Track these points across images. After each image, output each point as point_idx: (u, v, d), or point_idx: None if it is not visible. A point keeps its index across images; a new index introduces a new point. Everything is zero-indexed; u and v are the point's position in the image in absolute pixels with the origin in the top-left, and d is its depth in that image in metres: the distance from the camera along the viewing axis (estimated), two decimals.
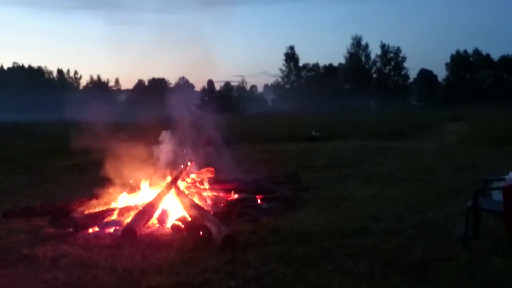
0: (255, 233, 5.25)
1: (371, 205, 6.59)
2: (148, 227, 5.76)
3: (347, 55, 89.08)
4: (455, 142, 16.01)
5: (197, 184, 7.48)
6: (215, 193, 7.12)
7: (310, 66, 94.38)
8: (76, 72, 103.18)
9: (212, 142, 8.75)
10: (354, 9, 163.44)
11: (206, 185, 7.46)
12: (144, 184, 7.13)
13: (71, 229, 5.71)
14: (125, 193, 6.93)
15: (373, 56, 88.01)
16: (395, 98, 78.98)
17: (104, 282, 4.02)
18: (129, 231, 5.29)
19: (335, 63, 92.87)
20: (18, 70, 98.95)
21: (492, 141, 14.27)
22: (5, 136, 23.07)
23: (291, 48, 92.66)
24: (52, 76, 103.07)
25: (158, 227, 5.87)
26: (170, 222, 5.87)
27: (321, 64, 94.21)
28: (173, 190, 6.70)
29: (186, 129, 8.12)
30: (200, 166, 7.96)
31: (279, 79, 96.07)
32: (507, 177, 4.78)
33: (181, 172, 7.35)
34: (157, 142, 7.99)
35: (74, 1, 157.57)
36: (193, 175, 7.69)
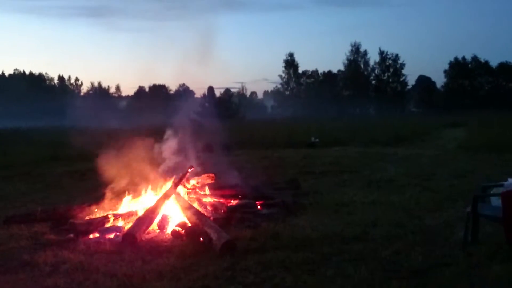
0: (255, 239, 5.26)
1: (370, 211, 6.60)
2: (148, 233, 5.77)
3: (346, 62, 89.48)
4: (454, 149, 16.02)
5: (197, 190, 7.49)
6: (215, 199, 7.14)
7: (310, 73, 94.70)
8: (77, 79, 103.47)
9: (212, 148, 8.78)
10: (353, 16, 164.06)
11: (206, 191, 7.47)
12: (145, 190, 7.14)
13: (71, 235, 5.72)
14: (125, 199, 6.95)
15: (371, 63, 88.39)
16: (394, 105, 79.07)
17: None
18: (130, 237, 5.30)
19: (334, 70, 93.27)
20: (19, 77, 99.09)
21: (491, 148, 14.29)
22: (6, 142, 23.07)
23: (291, 55, 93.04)
24: (53, 83, 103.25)
25: (159, 233, 5.88)
26: (170, 228, 5.88)
27: (321, 70, 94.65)
28: (173, 196, 6.72)
29: (186, 135, 8.14)
30: (200, 172, 7.97)
31: (279, 86, 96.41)
32: (505, 183, 4.80)
33: (181, 178, 7.36)
34: (157, 148, 8.01)
35: (75, 9, 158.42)
36: (193, 181, 7.71)
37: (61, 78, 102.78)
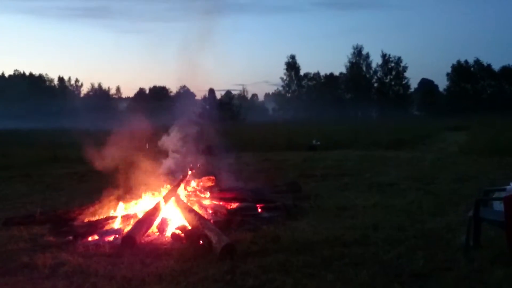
0: (255, 242, 5.23)
1: (372, 215, 6.57)
2: (148, 236, 5.74)
3: (348, 64, 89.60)
4: (456, 152, 16.00)
5: (198, 192, 7.47)
6: (215, 202, 7.11)
7: (311, 75, 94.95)
8: (77, 80, 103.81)
9: (212, 150, 8.77)
10: (355, 19, 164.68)
11: (207, 194, 7.45)
12: (144, 193, 7.12)
13: (70, 237, 5.69)
14: (125, 201, 6.92)
15: (374, 65, 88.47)
16: (396, 108, 79.09)
17: None
18: (129, 239, 5.27)
19: (336, 73, 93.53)
20: (19, 78, 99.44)
21: (493, 151, 14.26)
22: (5, 143, 23.10)
23: (292, 57, 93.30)
24: (53, 84, 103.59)
25: (158, 235, 5.85)
26: (170, 230, 5.85)
27: (322, 73, 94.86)
28: (173, 199, 6.70)
29: (186, 137, 8.12)
30: (201, 175, 7.95)
31: (280, 88, 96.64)
32: (508, 187, 4.78)
33: (181, 180, 7.35)
34: (158, 150, 8.00)
35: (76, 10, 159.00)
36: (193, 184, 7.69)
37: (61, 79, 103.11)
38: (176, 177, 7.44)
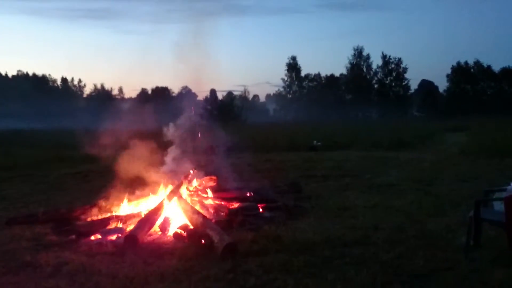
0: (256, 241, 5.25)
1: (372, 215, 6.60)
2: (150, 235, 5.78)
3: (348, 65, 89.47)
4: (456, 153, 15.99)
5: (199, 192, 7.50)
6: (217, 202, 7.15)
7: (312, 76, 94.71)
8: (80, 81, 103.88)
9: (214, 150, 8.79)
10: (356, 20, 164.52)
11: (208, 194, 7.48)
12: (147, 192, 7.15)
13: (73, 236, 5.73)
14: (127, 200, 6.96)
15: (374, 67, 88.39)
16: (396, 109, 78.97)
17: None
18: (131, 238, 5.32)
19: (337, 74, 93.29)
20: (22, 78, 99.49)
21: (493, 152, 14.26)
22: (8, 143, 23.13)
23: (293, 58, 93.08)
24: (56, 84, 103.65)
25: (160, 235, 5.89)
26: (172, 230, 5.89)
27: (323, 74, 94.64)
28: (175, 198, 6.73)
29: (188, 137, 8.15)
30: (202, 175, 7.98)
31: (281, 89, 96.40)
32: (508, 187, 4.80)
33: (183, 180, 7.38)
34: (160, 150, 8.02)
35: (79, 11, 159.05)
36: (195, 183, 7.72)
37: (64, 79, 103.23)
38: (178, 177, 7.47)
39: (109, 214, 6.57)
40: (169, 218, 6.22)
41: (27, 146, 21.27)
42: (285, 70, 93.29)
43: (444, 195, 7.99)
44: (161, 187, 7.26)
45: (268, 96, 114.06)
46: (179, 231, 5.69)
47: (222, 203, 7.10)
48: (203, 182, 7.83)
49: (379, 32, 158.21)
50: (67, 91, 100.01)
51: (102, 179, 7.26)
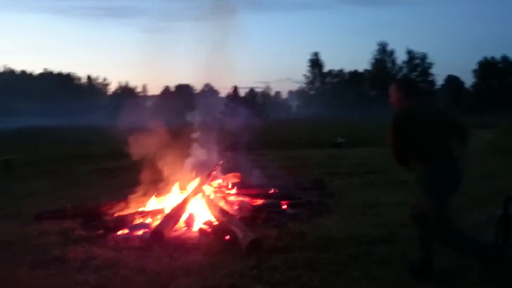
0: (280, 238, 5.26)
1: (398, 213, 6.49)
2: (175, 230, 5.84)
3: (372, 61, 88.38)
4: (483, 150, 15.65)
5: (224, 189, 7.54)
6: (240, 198, 7.17)
7: (335, 72, 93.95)
8: (105, 79, 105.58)
9: (238, 147, 8.82)
10: (380, 15, 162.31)
11: (232, 190, 7.51)
12: (172, 188, 7.23)
13: (101, 231, 5.84)
14: (153, 196, 7.05)
15: (399, 62, 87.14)
16: None
17: (133, 284, 4.11)
18: (157, 234, 5.38)
19: (360, 69, 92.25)
20: (48, 76, 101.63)
21: None
22: (35, 140, 23.67)
23: (316, 54, 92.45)
24: (81, 82, 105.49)
25: (186, 230, 5.95)
26: (197, 225, 5.94)
27: (346, 70, 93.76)
28: (200, 194, 6.78)
29: (212, 134, 8.20)
30: (227, 171, 8.02)
31: (304, 85, 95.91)
32: None
33: (208, 176, 7.43)
34: (185, 147, 8.09)
35: (104, 9, 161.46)
36: (219, 180, 7.76)
37: (89, 77, 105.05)
38: (202, 174, 7.53)
39: (135, 210, 6.66)
40: (193, 214, 6.27)
41: (53, 143, 21.72)
42: (307, 66, 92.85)
43: (472, 193, 7.79)
44: (186, 183, 7.32)
45: (290, 92, 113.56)
46: (204, 227, 5.73)
47: (246, 199, 7.12)
48: (227, 179, 7.87)
49: (404, 27, 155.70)
50: (92, 89, 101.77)
51: (128, 175, 7.35)
